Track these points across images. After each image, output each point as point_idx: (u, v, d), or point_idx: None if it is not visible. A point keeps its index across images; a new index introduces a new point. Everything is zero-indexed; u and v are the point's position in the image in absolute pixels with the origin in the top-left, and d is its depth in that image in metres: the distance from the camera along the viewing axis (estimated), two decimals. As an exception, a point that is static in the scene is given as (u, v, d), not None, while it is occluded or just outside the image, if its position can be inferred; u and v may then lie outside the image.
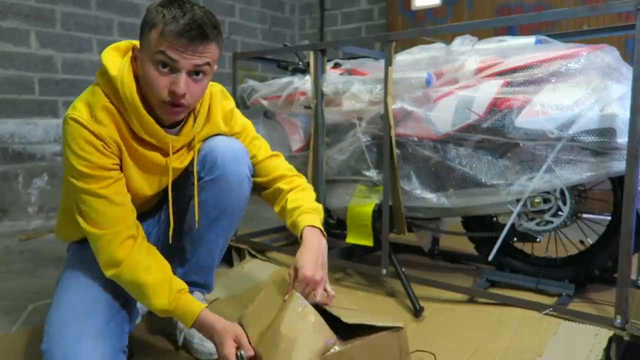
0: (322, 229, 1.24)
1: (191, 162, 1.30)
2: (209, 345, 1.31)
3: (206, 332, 1.13)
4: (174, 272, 1.40)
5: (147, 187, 1.25)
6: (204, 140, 1.32)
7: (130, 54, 1.16)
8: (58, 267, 2.20)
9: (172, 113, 1.13)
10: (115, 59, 1.15)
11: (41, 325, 1.27)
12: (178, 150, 1.26)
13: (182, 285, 1.16)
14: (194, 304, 1.14)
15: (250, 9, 4.44)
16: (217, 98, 1.31)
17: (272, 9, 4.66)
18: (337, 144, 2.03)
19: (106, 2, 3.41)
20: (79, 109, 1.12)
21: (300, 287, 1.12)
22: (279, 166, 1.38)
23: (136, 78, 1.13)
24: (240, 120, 1.40)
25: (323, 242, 1.21)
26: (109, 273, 1.13)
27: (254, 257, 2.24)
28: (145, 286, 1.11)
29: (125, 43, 1.20)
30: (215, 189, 1.30)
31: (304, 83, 2.11)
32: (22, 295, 1.84)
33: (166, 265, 1.18)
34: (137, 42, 1.18)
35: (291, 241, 2.50)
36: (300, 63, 2.27)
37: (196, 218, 1.31)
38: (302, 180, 1.38)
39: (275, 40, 4.66)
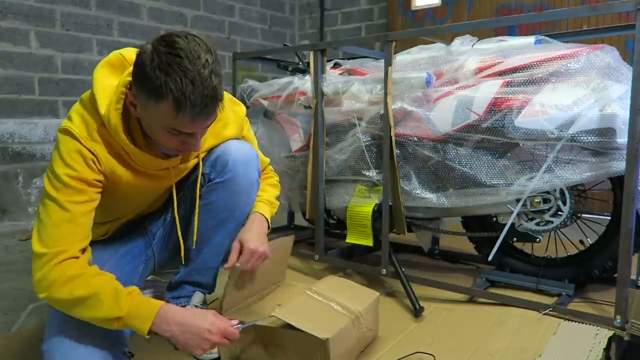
0: (268, 217, 1.39)
1: (198, 164, 1.31)
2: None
3: (174, 325, 1.02)
4: (178, 271, 1.41)
5: (148, 193, 1.26)
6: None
7: (121, 83, 1.09)
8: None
9: (181, 153, 1.18)
10: (106, 84, 1.10)
11: (41, 325, 1.27)
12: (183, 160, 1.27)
13: (131, 288, 1.06)
14: (151, 301, 1.05)
15: (250, 9, 4.44)
16: (227, 109, 1.28)
17: (272, 9, 4.66)
18: (337, 144, 2.03)
19: (106, 2, 3.41)
20: (77, 124, 1.08)
21: (246, 258, 1.25)
22: (266, 169, 1.50)
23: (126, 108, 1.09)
24: (247, 125, 1.43)
25: (264, 225, 1.36)
26: (41, 295, 1.03)
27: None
28: (86, 298, 1.00)
29: (117, 58, 1.15)
30: (225, 190, 1.31)
31: (304, 83, 2.11)
32: (22, 295, 1.84)
33: (109, 275, 1.07)
34: (127, 54, 1.15)
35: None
36: (300, 63, 2.27)
37: (196, 221, 1.32)
38: (272, 179, 1.51)
39: (275, 40, 4.67)
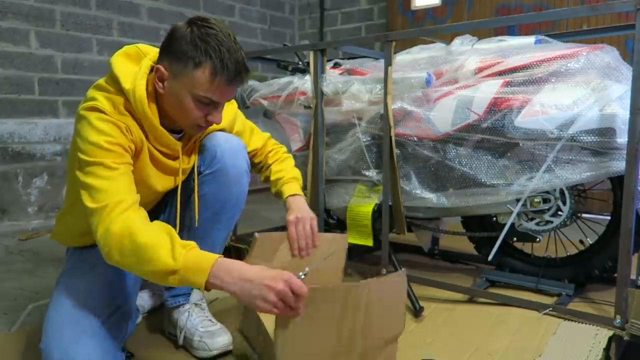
0: (302, 193, 1.41)
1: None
2: (209, 343, 1.31)
3: (232, 276, 0.94)
4: None
5: (159, 184, 1.27)
6: (204, 137, 1.35)
7: (143, 65, 1.15)
8: (58, 267, 2.20)
9: (198, 131, 1.21)
10: (127, 68, 1.15)
11: (41, 325, 1.27)
12: (184, 153, 1.29)
13: (187, 242, 1.01)
14: (208, 254, 0.98)
15: (250, 8, 4.44)
16: None
17: (272, 8, 4.66)
18: (337, 143, 2.03)
19: (106, 2, 3.41)
20: (102, 101, 1.10)
21: (293, 234, 1.30)
22: (268, 145, 1.52)
23: (148, 88, 1.14)
24: (240, 119, 1.46)
25: (305, 203, 1.39)
26: (108, 245, 1.00)
27: (254, 256, 2.24)
28: (145, 247, 0.97)
29: (133, 49, 1.20)
30: (215, 181, 1.32)
31: (304, 83, 2.11)
32: (22, 295, 1.84)
33: (169, 227, 1.05)
34: (142, 47, 1.20)
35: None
36: (300, 63, 2.27)
37: (196, 215, 1.33)
38: (282, 152, 1.52)
39: (275, 40, 4.67)
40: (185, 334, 1.37)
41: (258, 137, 1.51)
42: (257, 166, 1.52)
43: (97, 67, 3.39)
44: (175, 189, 1.32)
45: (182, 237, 1.35)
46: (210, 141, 1.33)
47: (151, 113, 1.13)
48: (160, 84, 1.12)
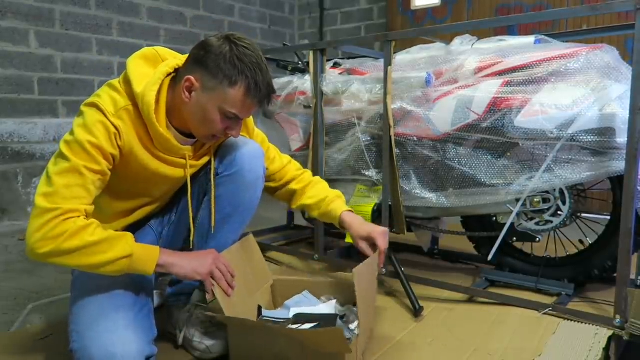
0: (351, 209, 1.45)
1: (209, 161, 1.33)
2: (209, 343, 1.31)
3: (175, 256, 1.15)
4: None
5: (160, 182, 1.27)
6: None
7: (159, 71, 1.16)
8: (58, 267, 2.20)
9: (212, 141, 1.25)
10: (141, 70, 1.16)
11: (41, 324, 1.27)
12: (195, 155, 1.29)
13: (127, 232, 1.12)
14: (150, 245, 1.14)
15: (249, 8, 4.44)
16: None
17: (272, 8, 4.66)
18: (336, 143, 2.03)
19: (105, 2, 3.41)
20: (105, 100, 1.12)
21: (383, 246, 1.34)
22: (290, 170, 1.52)
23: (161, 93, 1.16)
24: (257, 129, 1.49)
25: (360, 217, 1.44)
26: (45, 249, 1.01)
27: (254, 256, 2.24)
28: (99, 242, 1.04)
29: (151, 52, 1.21)
30: (231, 184, 1.33)
31: (304, 83, 2.11)
32: (22, 294, 1.84)
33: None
34: (160, 50, 1.22)
35: (290, 241, 2.50)
36: (300, 63, 2.27)
37: (213, 221, 1.33)
38: (309, 176, 1.53)
39: (274, 40, 4.67)
40: (185, 334, 1.37)
41: (278, 161, 1.51)
42: (281, 195, 1.53)
43: (97, 67, 3.39)
44: (187, 190, 1.32)
45: (189, 236, 1.37)
46: (231, 143, 1.35)
47: (156, 119, 1.14)
48: (187, 94, 1.14)
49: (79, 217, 1.05)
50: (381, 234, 1.35)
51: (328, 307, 1.39)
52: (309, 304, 1.40)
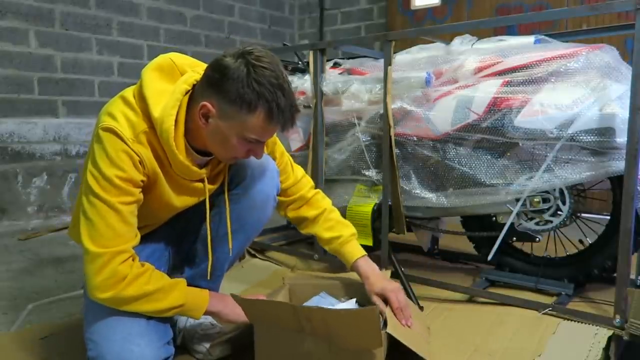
0: (364, 253, 1.40)
1: (223, 181, 1.31)
2: (209, 346, 1.31)
3: (218, 303, 1.20)
4: (182, 272, 1.41)
5: (178, 202, 1.24)
6: None
7: (177, 90, 1.09)
8: (58, 267, 2.20)
9: (233, 161, 1.23)
10: (158, 86, 1.10)
11: (41, 324, 1.27)
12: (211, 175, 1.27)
13: (180, 279, 1.18)
14: (196, 289, 1.19)
15: (249, 8, 4.44)
16: None
17: (272, 8, 4.66)
18: (336, 143, 2.03)
19: (105, 2, 3.41)
20: (122, 124, 1.07)
21: (396, 304, 1.26)
22: (303, 186, 1.45)
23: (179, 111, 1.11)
24: (278, 141, 1.43)
25: (375, 264, 1.40)
26: (106, 294, 1.05)
27: (254, 256, 2.24)
28: (155, 292, 1.10)
29: (167, 62, 1.14)
30: (238, 202, 1.31)
31: (304, 82, 2.11)
32: (22, 294, 1.84)
33: (161, 272, 1.17)
34: (177, 59, 1.15)
35: (290, 241, 2.50)
36: (300, 62, 2.27)
37: (229, 243, 1.33)
38: (321, 200, 1.46)
39: (274, 40, 4.66)
40: (185, 335, 1.36)
41: (292, 176, 1.45)
42: (293, 219, 1.48)
43: (97, 67, 3.39)
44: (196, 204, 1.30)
45: (193, 247, 1.38)
46: (244, 160, 1.27)
47: (176, 147, 1.09)
48: (204, 120, 1.08)
49: (131, 258, 1.08)
50: (394, 292, 1.29)
51: (349, 305, 1.37)
52: (329, 304, 1.37)
